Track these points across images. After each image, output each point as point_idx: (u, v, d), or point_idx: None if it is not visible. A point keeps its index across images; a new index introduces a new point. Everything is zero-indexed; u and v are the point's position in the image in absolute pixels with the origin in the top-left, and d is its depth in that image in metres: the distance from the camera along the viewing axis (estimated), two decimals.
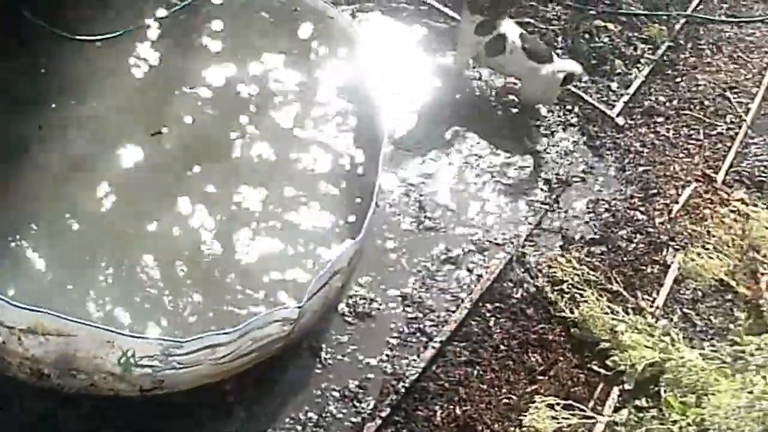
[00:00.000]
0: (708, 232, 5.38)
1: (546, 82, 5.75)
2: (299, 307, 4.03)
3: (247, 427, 4.12)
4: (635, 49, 6.72)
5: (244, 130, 5.19)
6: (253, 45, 5.66)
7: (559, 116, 6.05)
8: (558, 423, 4.21)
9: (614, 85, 6.41)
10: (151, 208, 4.69)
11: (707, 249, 5.24)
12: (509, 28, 5.68)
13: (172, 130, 5.05)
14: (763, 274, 5.11)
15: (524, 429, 4.26)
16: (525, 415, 4.34)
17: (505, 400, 4.50)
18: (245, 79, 5.46)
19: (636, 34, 6.84)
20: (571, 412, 4.28)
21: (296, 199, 4.94)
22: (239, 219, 4.78)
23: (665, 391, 4.40)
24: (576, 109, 6.15)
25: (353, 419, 4.28)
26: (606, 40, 6.61)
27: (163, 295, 4.36)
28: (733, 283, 5.06)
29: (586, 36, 6.59)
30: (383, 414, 4.28)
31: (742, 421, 3.76)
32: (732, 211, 5.50)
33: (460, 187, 5.42)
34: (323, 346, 4.51)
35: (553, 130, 5.96)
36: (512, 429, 4.39)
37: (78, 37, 5.42)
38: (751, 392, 3.90)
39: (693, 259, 5.15)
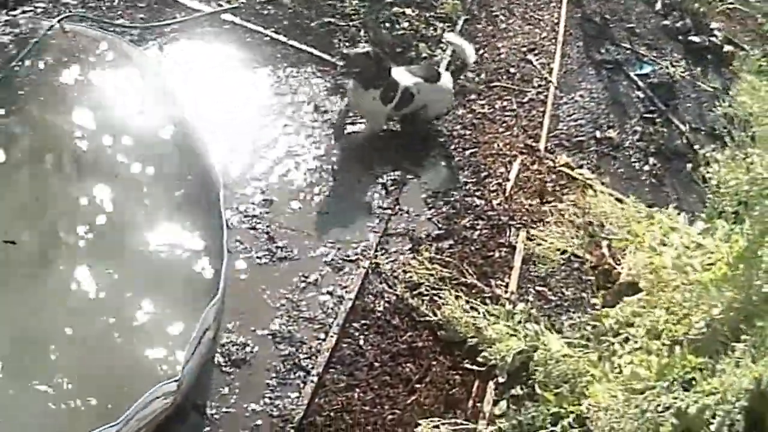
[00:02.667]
0: (546, 207, 5.65)
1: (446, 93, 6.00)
2: (177, 381, 3.98)
3: None
4: (435, 29, 6.87)
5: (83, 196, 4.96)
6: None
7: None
8: None
9: None
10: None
11: (547, 223, 5.50)
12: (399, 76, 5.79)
13: None
14: (603, 238, 5.42)
15: None
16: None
17: (390, 416, 4.60)
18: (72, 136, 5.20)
19: (433, 13, 6.98)
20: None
21: (144, 262, 4.80)
22: (96, 290, 4.60)
23: (540, 386, 4.60)
24: None
25: None
26: (406, 25, 6.71)
27: (41, 391, 4.17)
28: (580, 253, 5.33)
29: (387, 25, 6.66)
30: None
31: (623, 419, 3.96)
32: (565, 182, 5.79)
33: (303, 209, 5.40)
34: (207, 401, 4.43)
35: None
36: None
37: None
38: (627, 389, 4.12)
39: (535, 237, 5.38)
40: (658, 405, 3.84)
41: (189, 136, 5.17)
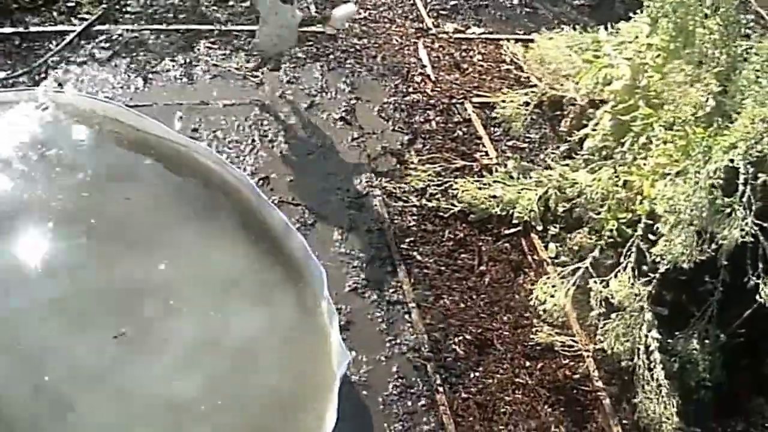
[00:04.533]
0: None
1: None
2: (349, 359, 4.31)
3: None
4: None
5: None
6: None
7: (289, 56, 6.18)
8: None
9: None
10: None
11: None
12: None
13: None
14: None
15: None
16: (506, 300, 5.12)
17: (482, 303, 5.08)
18: None
19: None
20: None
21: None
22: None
23: (584, 213, 5.24)
24: None
25: (422, 402, 4.57)
26: None
27: None
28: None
29: None
30: (437, 381, 4.65)
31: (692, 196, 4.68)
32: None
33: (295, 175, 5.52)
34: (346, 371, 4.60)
35: (297, 75, 6.15)
36: (506, 316, 5.05)
37: None
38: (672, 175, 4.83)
39: (497, 104, 5.91)
40: (709, 170, 4.56)
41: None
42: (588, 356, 4.83)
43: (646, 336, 4.66)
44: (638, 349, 4.66)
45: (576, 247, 5.22)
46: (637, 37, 5.54)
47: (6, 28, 5.83)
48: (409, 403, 4.54)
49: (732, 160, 4.65)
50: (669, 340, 4.76)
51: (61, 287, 4.45)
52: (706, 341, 4.75)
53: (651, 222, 4.86)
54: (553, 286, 4.91)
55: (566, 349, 4.87)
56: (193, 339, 4.43)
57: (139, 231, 4.80)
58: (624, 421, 4.63)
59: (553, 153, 5.74)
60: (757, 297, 4.47)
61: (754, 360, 4.88)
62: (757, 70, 4.99)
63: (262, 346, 4.52)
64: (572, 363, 4.84)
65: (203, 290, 4.67)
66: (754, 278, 4.50)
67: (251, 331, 4.55)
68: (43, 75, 5.67)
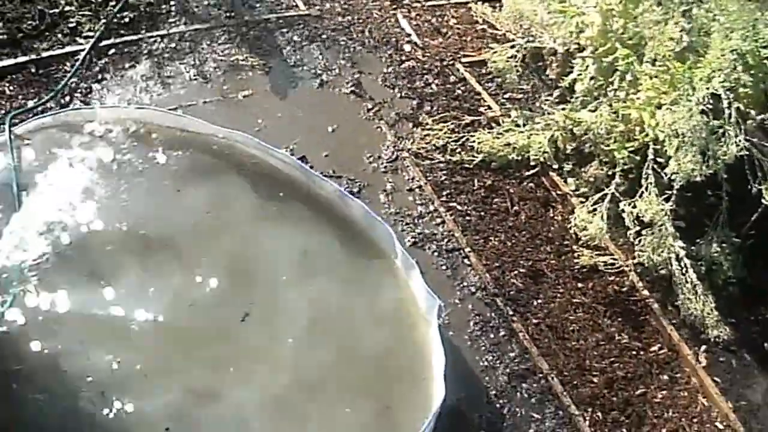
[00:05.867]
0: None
1: None
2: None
3: None
4: None
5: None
6: None
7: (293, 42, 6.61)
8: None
9: None
10: None
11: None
12: None
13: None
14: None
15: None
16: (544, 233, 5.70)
17: (524, 239, 5.65)
18: None
19: None
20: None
21: None
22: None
23: (596, 147, 5.87)
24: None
25: (502, 333, 5.09)
26: None
27: None
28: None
29: None
30: (510, 312, 5.22)
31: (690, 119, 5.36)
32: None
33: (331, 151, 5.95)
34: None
35: (299, 57, 6.56)
36: (548, 246, 5.63)
37: None
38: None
39: (487, 60, 6.50)
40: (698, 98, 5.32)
41: None
42: (629, 271, 5.45)
43: (672, 246, 5.30)
44: (670, 258, 5.30)
45: (591, 179, 5.82)
46: None
47: (19, 57, 5.98)
48: (492, 336, 5.07)
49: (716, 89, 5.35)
50: (692, 248, 5.43)
51: (189, 286, 4.92)
52: (724, 244, 5.45)
53: (657, 147, 5.50)
54: (590, 212, 5.50)
55: (609, 267, 5.47)
56: (303, 311, 4.92)
57: (226, 224, 5.28)
58: (673, 321, 5.28)
59: (547, 99, 6.31)
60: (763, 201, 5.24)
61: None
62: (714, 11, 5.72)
63: (358, 310, 5.03)
64: (617, 279, 5.46)
65: (292, 266, 5.11)
66: (756, 185, 5.23)
67: (345, 297, 5.06)
68: (68, 97, 5.84)
